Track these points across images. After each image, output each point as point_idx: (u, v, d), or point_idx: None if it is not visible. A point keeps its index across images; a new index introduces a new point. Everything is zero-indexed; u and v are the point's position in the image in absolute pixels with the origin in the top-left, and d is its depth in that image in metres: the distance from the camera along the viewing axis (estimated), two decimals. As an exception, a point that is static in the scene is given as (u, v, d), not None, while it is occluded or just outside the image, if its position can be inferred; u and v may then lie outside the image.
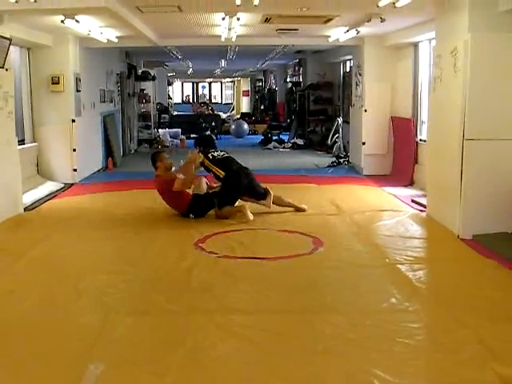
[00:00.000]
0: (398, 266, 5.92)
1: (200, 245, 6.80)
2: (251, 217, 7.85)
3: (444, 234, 7.29)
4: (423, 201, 8.77)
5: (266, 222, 7.90)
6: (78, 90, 11.51)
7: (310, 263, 6.16)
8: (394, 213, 8.48)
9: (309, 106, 18.81)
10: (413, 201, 9.24)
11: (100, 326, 4.43)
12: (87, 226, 7.96)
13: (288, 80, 24.35)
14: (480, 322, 4.46)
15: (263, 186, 8.40)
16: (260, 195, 8.29)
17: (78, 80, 11.50)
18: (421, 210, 8.55)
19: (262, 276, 5.71)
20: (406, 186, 10.77)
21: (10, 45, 8.18)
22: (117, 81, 15.68)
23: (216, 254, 6.42)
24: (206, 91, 43.44)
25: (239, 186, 8.12)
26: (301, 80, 20.73)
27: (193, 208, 8.14)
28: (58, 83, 11.09)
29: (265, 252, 6.51)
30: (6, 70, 8.26)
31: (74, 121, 11.29)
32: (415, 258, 6.24)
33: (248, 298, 5.08)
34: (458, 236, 7.04)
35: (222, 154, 8.38)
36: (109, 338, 4.24)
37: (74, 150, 11.37)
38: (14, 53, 10.27)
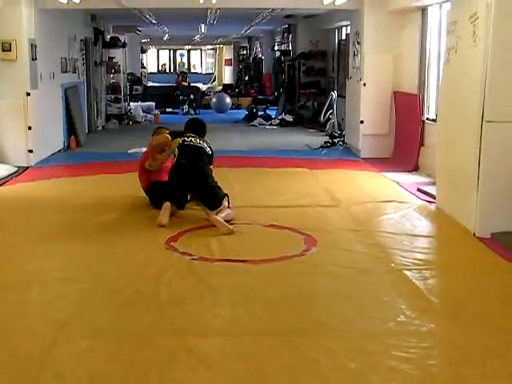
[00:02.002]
0: (406, 272, 5.53)
1: (172, 244, 6.35)
2: (163, 221, 6.97)
3: (457, 231, 6.89)
4: (431, 190, 8.41)
5: (251, 215, 7.45)
6: (33, 59, 11.11)
7: (301, 268, 5.74)
8: (398, 204, 8.08)
9: (299, 78, 18.58)
10: (419, 190, 8.85)
11: (45, 355, 3.96)
12: (40, 220, 7.46)
13: (276, 48, 24.18)
14: (510, 348, 4.05)
15: (223, 193, 7.37)
16: (208, 202, 7.25)
17: (33, 47, 11.09)
18: (429, 201, 8.16)
19: (244, 284, 5.29)
20: (409, 171, 10.40)
21: None
22: (81, 48, 15.29)
23: (190, 255, 5.97)
24: (185, 59, 43.08)
25: (174, 179, 7.37)
26: (290, 48, 20.61)
27: (150, 193, 7.83)
28: (10, 50, 10.69)
29: (248, 253, 6.09)
30: None
31: (29, 94, 10.90)
32: (425, 261, 5.88)
33: (227, 315, 4.65)
34: (475, 234, 6.65)
35: (197, 141, 7.61)
36: (55, 371, 3.78)
37: (30, 127, 10.98)
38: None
